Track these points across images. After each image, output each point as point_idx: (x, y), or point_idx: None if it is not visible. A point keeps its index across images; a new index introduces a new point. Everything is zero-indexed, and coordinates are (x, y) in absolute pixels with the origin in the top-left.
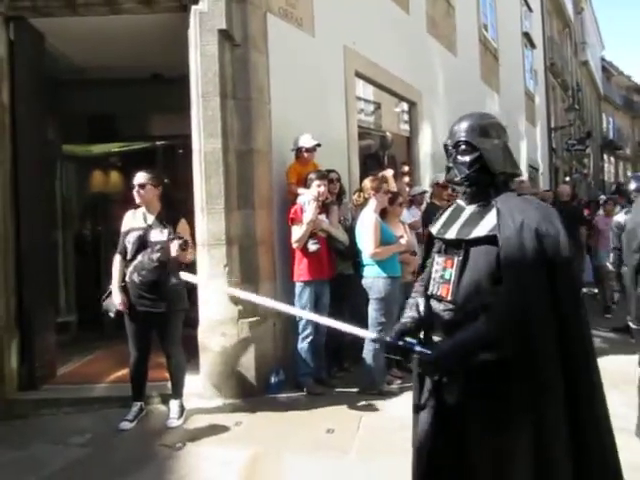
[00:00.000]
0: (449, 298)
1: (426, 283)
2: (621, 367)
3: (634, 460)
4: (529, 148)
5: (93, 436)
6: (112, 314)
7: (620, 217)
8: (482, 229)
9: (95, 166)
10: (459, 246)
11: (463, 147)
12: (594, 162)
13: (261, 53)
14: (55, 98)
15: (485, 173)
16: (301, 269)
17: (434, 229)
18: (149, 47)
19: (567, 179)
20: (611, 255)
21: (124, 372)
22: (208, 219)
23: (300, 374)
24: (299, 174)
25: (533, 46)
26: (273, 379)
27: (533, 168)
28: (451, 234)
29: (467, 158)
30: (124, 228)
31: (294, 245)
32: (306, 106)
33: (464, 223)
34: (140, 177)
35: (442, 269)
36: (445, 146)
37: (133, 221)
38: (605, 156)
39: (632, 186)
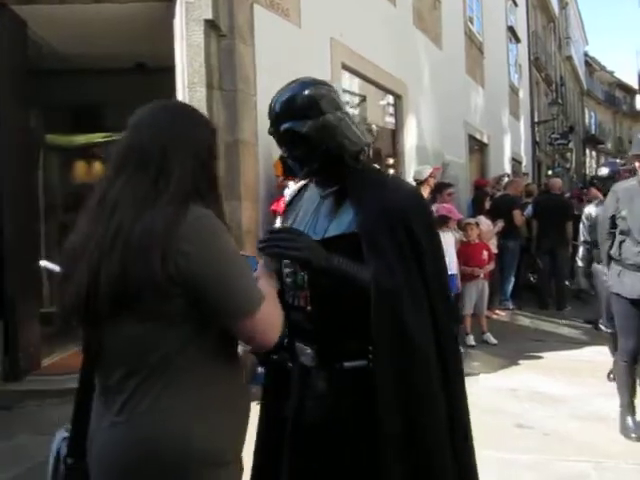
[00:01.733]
0: (309, 308)
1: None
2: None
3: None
4: (513, 141)
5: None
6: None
7: (591, 208)
8: (338, 226)
9: (78, 156)
10: None
11: (288, 136)
12: (576, 156)
13: (247, 44)
14: (38, 87)
15: (328, 158)
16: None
17: (283, 223)
18: (134, 36)
19: (550, 172)
20: (580, 249)
21: None
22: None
23: None
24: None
25: (518, 40)
26: (259, 369)
27: (516, 161)
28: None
29: (299, 151)
30: None
31: None
32: None
33: (313, 218)
34: None
35: (292, 273)
36: (271, 134)
37: None
38: (587, 150)
39: (604, 171)
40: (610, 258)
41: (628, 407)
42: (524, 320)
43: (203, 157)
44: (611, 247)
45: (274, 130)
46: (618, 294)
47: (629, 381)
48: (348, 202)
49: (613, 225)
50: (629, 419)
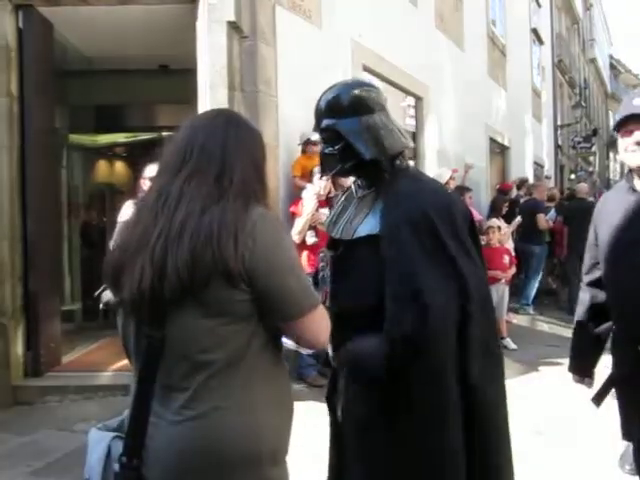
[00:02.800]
0: (326, 304)
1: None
2: None
3: None
4: (535, 145)
5: (98, 423)
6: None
7: None
8: (365, 227)
9: (101, 156)
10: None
11: (328, 134)
12: (600, 160)
13: (269, 45)
14: (63, 88)
15: (362, 159)
16: (302, 261)
17: (326, 222)
18: (157, 38)
19: (572, 176)
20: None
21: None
22: None
23: (302, 366)
24: (304, 168)
25: (541, 42)
26: None
27: (538, 165)
28: (337, 231)
29: (335, 148)
30: (125, 217)
31: (294, 237)
32: (313, 99)
33: (349, 217)
34: (153, 170)
35: (326, 267)
36: (315, 130)
37: None
38: (611, 154)
39: None
40: None
41: None
42: (544, 325)
43: (258, 162)
44: None
45: (316, 126)
46: None
47: None
48: (379, 203)
49: None
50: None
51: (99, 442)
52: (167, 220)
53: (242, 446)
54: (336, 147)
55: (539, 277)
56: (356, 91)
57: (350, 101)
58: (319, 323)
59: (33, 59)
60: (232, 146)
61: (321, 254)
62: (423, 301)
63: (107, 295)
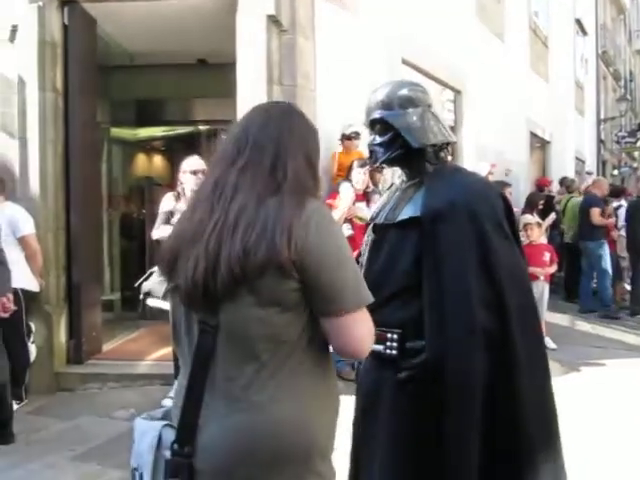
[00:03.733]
0: None
1: None
2: None
3: None
4: (576, 139)
5: (137, 411)
6: (157, 297)
7: None
8: (407, 211)
9: (140, 149)
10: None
11: (378, 126)
12: None
13: (308, 39)
14: (105, 83)
15: (411, 149)
16: None
17: (373, 213)
18: (196, 33)
19: (615, 172)
20: None
21: (166, 351)
22: None
23: (336, 360)
24: (342, 162)
25: (585, 33)
26: None
27: (580, 160)
28: (379, 218)
29: (384, 138)
30: (166, 208)
31: None
32: (352, 93)
33: (393, 206)
34: (197, 163)
35: (365, 252)
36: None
37: (176, 204)
38: None
39: None
40: None
41: None
42: (585, 325)
43: (311, 157)
44: None
45: (367, 119)
46: None
47: None
48: (422, 190)
49: None
50: None
51: (148, 431)
52: (223, 211)
53: (295, 440)
54: (385, 137)
55: (609, 276)
56: (406, 89)
57: (400, 97)
58: (361, 326)
59: (77, 55)
60: (286, 140)
61: (364, 240)
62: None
63: (148, 285)
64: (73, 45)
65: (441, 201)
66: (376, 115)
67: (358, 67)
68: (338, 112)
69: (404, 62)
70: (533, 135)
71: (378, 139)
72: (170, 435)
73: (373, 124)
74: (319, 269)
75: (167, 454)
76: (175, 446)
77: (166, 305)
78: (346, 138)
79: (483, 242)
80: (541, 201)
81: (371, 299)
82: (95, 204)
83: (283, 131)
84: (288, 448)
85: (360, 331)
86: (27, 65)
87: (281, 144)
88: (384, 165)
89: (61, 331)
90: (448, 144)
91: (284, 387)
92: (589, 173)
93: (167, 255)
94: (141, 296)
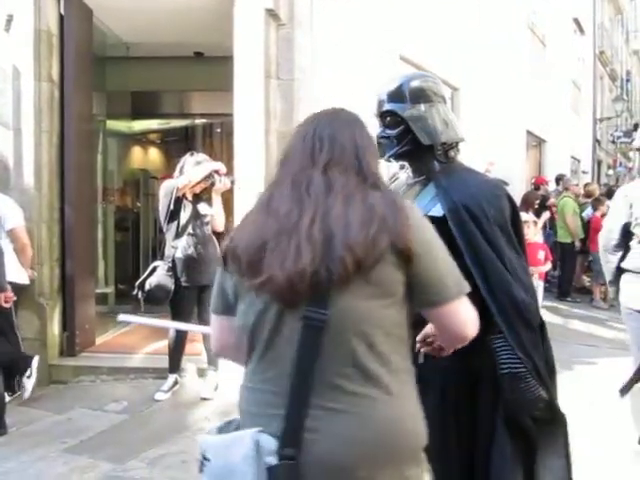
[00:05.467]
0: None
1: None
2: None
3: None
4: (572, 138)
5: (129, 404)
6: (169, 291)
7: None
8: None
9: (136, 142)
10: None
11: (388, 119)
12: None
13: (306, 33)
14: (101, 73)
15: (420, 145)
16: None
17: None
18: (193, 25)
19: (610, 172)
20: None
21: (159, 344)
22: (247, 198)
23: None
24: None
25: (582, 32)
26: None
27: (575, 159)
28: None
29: (394, 132)
30: (165, 196)
31: None
32: (349, 88)
33: None
34: (214, 163)
35: None
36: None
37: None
38: None
39: None
40: (621, 271)
41: None
42: (578, 324)
43: (377, 157)
44: (622, 259)
45: (378, 111)
46: (633, 310)
47: None
48: (430, 188)
49: (625, 234)
50: None
51: (233, 442)
52: (320, 205)
53: (409, 437)
54: (395, 131)
55: None
56: (419, 81)
57: (413, 89)
58: (467, 312)
59: (73, 45)
60: (360, 141)
61: None
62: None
63: (155, 279)
64: (69, 35)
65: (449, 202)
66: (388, 107)
67: (356, 62)
68: (336, 106)
69: (402, 58)
70: (529, 133)
71: (388, 132)
72: (268, 441)
73: (384, 116)
74: (427, 259)
75: (270, 460)
76: (282, 450)
77: (140, 320)
78: None
79: (490, 243)
80: (537, 200)
81: (469, 287)
82: (90, 196)
83: (355, 131)
84: (404, 447)
85: (466, 316)
86: (22, 55)
87: (358, 146)
88: (391, 159)
89: (55, 323)
90: (457, 143)
91: (394, 384)
92: (585, 172)
93: (247, 251)
94: (139, 294)
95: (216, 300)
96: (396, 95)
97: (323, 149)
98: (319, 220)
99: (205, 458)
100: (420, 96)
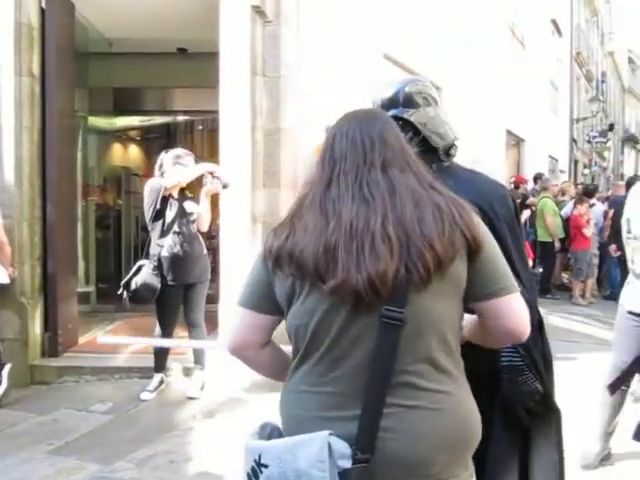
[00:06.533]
0: None
1: None
2: None
3: None
4: (550, 138)
5: (114, 404)
6: (155, 289)
7: None
8: None
9: (118, 139)
10: None
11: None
12: (614, 155)
13: (292, 30)
14: (82, 69)
15: (425, 148)
16: None
17: None
18: (176, 21)
19: (586, 171)
20: None
21: (143, 344)
22: (233, 196)
23: None
24: None
25: (560, 34)
26: None
27: (553, 159)
28: None
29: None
30: (150, 195)
31: None
32: (336, 86)
33: None
34: (209, 165)
35: None
36: None
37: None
38: (626, 150)
39: None
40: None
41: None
42: (557, 320)
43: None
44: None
45: None
46: (622, 304)
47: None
48: None
49: (629, 230)
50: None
51: (302, 445)
52: (387, 205)
53: (478, 427)
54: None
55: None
56: (415, 84)
57: (413, 93)
58: (523, 306)
59: (55, 40)
60: (404, 143)
61: None
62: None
63: (141, 278)
64: (50, 30)
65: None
66: (394, 113)
67: (342, 60)
68: (322, 103)
69: (386, 57)
70: (509, 133)
71: None
72: (340, 444)
73: None
74: (490, 253)
75: (344, 464)
76: (359, 454)
77: (121, 340)
78: None
79: (500, 241)
80: (518, 199)
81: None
82: (71, 194)
83: (397, 132)
84: (475, 435)
85: (523, 309)
86: (2, 48)
87: (403, 145)
88: None
89: (36, 323)
90: (454, 142)
91: (461, 379)
92: (562, 172)
93: (314, 256)
94: (125, 294)
95: (251, 296)
96: (400, 100)
97: (375, 149)
98: (391, 220)
99: (261, 464)
100: (420, 99)
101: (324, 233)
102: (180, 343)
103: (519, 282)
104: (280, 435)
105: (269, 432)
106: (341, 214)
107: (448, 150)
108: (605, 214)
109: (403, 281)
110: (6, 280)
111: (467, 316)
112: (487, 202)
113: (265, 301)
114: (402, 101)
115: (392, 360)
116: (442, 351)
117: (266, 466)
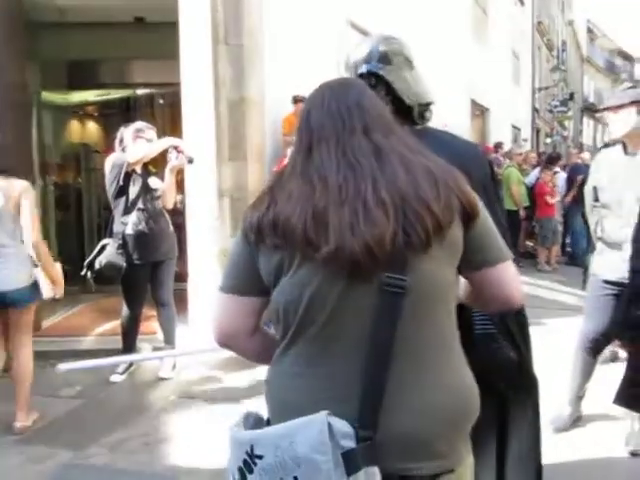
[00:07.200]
0: None
1: None
2: None
3: None
4: (513, 107)
5: (83, 388)
6: (120, 268)
7: None
8: None
9: (74, 115)
10: None
11: (365, 81)
12: (574, 125)
13: None
14: (33, 40)
15: (399, 107)
16: None
17: None
18: None
19: (548, 140)
20: None
21: (111, 325)
22: (198, 171)
23: None
24: (293, 125)
25: (522, 3)
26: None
27: (515, 128)
28: None
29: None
30: (111, 172)
31: None
32: (301, 55)
33: None
34: (173, 139)
35: None
36: None
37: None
38: (585, 119)
39: None
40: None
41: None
42: (524, 287)
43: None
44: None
45: (353, 72)
46: (595, 274)
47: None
48: None
49: (596, 198)
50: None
51: (299, 430)
52: (375, 169)
53: (478, 400)
54: (378, 92)
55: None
56: (391, 42)
57: (388, 51)
58: (516, 275)
59: (1, 9)
60: (383, 110)
61: None
62: None
63: (105, 257)
64: None
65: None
66: (368, 68)
67: (306, 29)
68: (287, 72)
69: (350, 24)
70: (473, 102)
71: None
72: (341, 423)
73: (360, 78)
74: (483, 221)
75: (347, 444)
76: (361, 432)
77: (85, 364)
78: (299, 100)
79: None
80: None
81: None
82: (25, 172)
83: (374, 100)
84: (477, 408)
85: (516, 278)
86: None
87: (381, 111)
88: None
89: None
90: (430, 104)
91: (461, 350)
92: (525, 140)
93: (302, 222)
94: (89, 274)
95: (234, 279)
96: (374, 57)
97: (353, 115)
98: (384, 184)
99: (255, 456)
100: (397, 57)
101: (311, 199)
102: (168, 353)
103: None
104: (266, 424)
105: (252, 423)
106: (327, 180)
107: (423, 112)
108: (569, 181)
109: (402, 245)
110: (49, 294)
111: (463, 280)
112: (461, 163)
113: (250, 282)
114: (377, 58)
115: (394, 330)
116: (447, 321)
117: (260, 457)
